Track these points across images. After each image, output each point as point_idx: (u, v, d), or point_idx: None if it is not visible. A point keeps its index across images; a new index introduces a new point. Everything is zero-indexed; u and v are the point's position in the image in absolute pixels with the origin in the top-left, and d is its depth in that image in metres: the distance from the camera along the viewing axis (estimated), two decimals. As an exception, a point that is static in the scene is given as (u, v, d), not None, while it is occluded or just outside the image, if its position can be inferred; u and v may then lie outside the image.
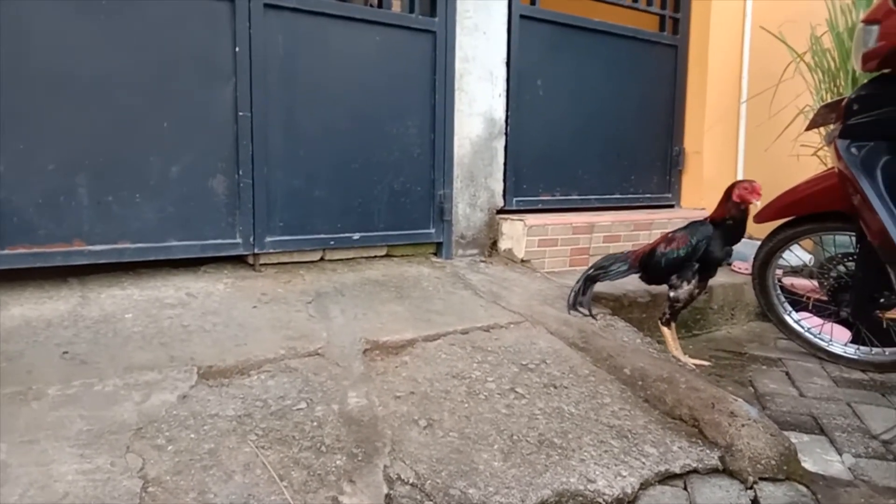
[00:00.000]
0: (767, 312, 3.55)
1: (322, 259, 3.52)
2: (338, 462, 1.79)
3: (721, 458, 2.07)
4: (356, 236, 3.51)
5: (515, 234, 3.85)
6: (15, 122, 2.62)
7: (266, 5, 3.06)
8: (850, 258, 3.20)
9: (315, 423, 1.96)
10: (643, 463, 1.99)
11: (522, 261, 3.81)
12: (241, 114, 3.06)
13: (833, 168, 2.96)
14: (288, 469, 1.74)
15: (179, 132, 2.95)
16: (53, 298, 2.67)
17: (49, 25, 2.66)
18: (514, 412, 2.16)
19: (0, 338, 2.28)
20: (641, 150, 4.82)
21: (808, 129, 3.29)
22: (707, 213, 4.80)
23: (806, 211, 3.19)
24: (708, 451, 2.09)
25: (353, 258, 3.61)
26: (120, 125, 2.83)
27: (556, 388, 2.36)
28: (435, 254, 3.88)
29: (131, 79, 2.84)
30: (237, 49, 3.02)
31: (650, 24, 4.92)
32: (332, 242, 3.44)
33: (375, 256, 3.69)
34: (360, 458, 1.82)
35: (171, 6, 2.89)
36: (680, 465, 2.01)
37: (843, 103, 2.79)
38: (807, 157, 4.65)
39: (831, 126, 2.94)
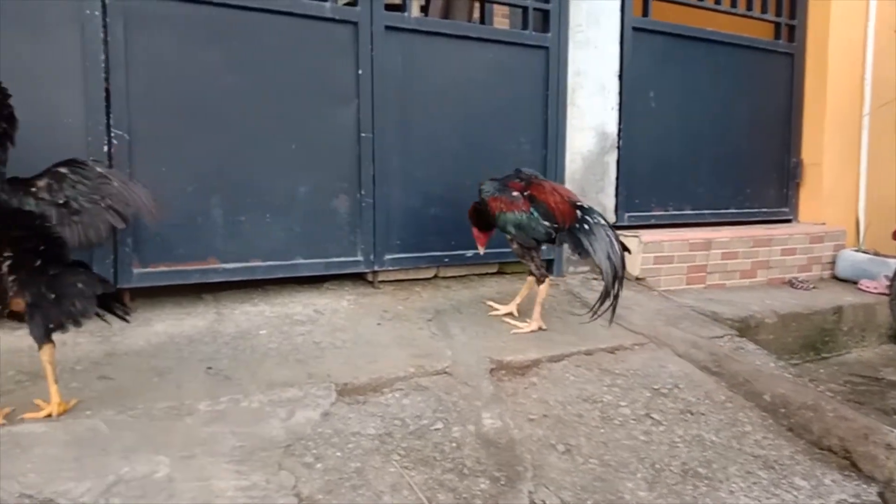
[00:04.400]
0: (906, 335, 3.33)
1: (435, 276, 3.54)
2: (482, 486, 1.78)
3: (881, 495, 1.95)
4: (469, 254, 3.51)
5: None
6: (157, 146, 2.77)
7: (387, 27, 3.13)
8: None
9: (454, 444, 1.96)
10: (795, 497, 1.89)
11: (637, 278, 3.72)
12: (363, 135, 3.13)
13: None
14: (434, 491, 1.74)
15: (306, 154, 3.05)
16: (191, 315, 2.79)
17: (181, 53, 2.80)
18: (652, 439, 2.10)
19: (149, 353, 2.40)
20: (757, 163, 4.63)
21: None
22: (827, 228, 4.57)
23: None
24: (864, 486, 1.97)
25: (465, 275, 3.62)
26: (251, 147, 2.95)
27: (692, 414, 2.28)
28: (547, 271, 3.83)
29: (262, 103, 2.95)
30: (360, 72, 3.10)
31: (764, 32, 4.73)
32: (445, 260, 3.46)
33: (487, 273, 3.68)
34: (503, 483, 1.80)
35: (297, 31, 2.99)
36: (835, 501, 1.90)
37: None
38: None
39: None
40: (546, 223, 2.74)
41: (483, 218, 2.92)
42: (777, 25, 4.69)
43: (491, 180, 2.88)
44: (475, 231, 3.03)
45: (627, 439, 2.08)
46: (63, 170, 1.90)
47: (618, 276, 2.64)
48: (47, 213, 1.84)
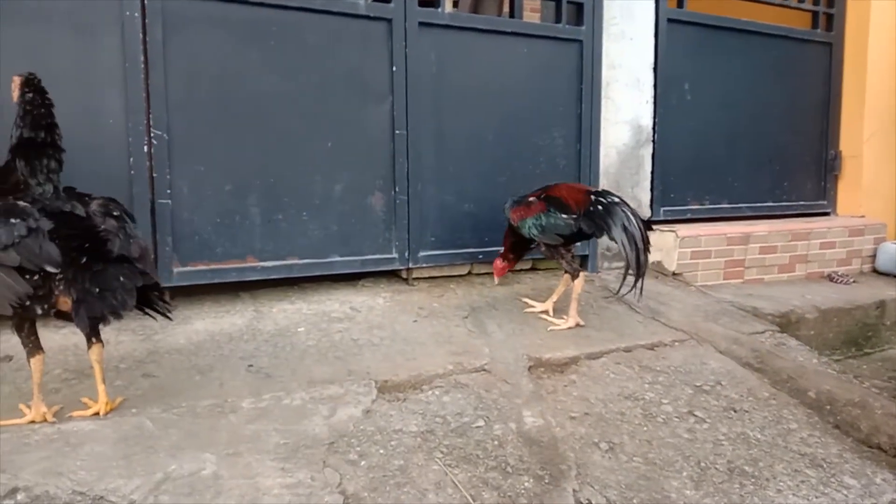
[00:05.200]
0: (954, 330, 3.24)
1: (469, 273, 3.53)
2: (526, 484, 1.77)
3: (935, 495, 1.89)
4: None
5: (666, 245, 3.72)
6: (196, 146, 2.79)
7: (421, 23, 3.13)
8: None
9: (496, 442, 1.95)
10: (845, 496, 1.85)
11: (674, 273, 3.68)
12: (397, 132, 3.13)
13: None
14: (478, 490, 1.73)
15: (341, 152, 3.06)
16: (230, 313, 2.82)
17: (218, 53, 2.82)
18: (696, 437, 2.07)
19: (190, 351, 2.43)
20: (794, 155, 4.54)
21: None
22: (867, 221, 4.47)
23: None
24: (917, 486, 1.92)
25: (499, 271, 3.60)
26: (288, 146, 2.96)
27: (736, 411, 2.24)
28: (580, 266, 3.80)
29: (297, 102, 2.97)
30: (394, 69, 3.10)
31: (801, 22, 4.63)
32: (480, 256, 3.45)
33: (521, 270, 3.66)
34: (546, 481, 1.79)
35: (332, 30, 3.00)
36: (888, 500, 1.86)
37: None
38: None
39: None
40: (563, 215, 2.78)
41: (516, 233, 2.97)
42: (815, 14, 4.58)
43: (512, 197, 2.98)
44: (497, 262, 3.09)
45: (671, 437, 2.06)
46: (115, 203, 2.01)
47: (637, 247, 2.65)
48: (96, 217, 1.89)
